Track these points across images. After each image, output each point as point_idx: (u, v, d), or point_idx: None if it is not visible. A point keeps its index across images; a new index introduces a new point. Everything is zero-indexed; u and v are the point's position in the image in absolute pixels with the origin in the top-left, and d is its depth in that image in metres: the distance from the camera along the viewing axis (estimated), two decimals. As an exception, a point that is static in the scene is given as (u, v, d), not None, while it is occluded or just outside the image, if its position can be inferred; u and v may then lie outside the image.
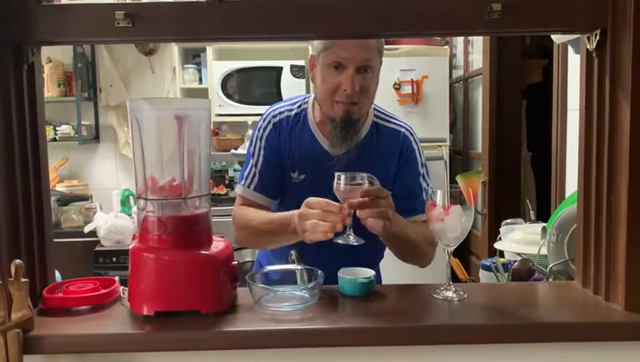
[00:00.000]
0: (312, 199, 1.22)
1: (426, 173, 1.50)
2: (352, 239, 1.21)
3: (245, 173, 1.50)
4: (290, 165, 1.45)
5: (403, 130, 1.49)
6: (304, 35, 1.09)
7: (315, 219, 1.19)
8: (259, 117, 1.54)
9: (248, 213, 1.45)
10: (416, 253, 1.41)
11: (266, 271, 1.18)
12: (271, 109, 1.51)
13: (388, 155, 1.46)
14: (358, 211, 1.20)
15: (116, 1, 1.16)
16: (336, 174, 1.21)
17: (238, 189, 1.51)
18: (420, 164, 1.49)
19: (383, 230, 1.21)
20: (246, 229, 1.45)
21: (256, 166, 1.47)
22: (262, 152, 1.47)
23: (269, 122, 1.48)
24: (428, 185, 1.48)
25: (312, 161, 1.44)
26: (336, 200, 1.22)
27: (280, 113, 1.49)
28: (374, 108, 1.51)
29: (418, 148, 1.49)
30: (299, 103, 1.51)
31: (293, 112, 1.49)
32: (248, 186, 1.48)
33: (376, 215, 1.19)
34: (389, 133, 1.48)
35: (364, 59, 1.33)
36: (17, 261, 0.93)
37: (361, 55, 1.33)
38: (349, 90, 1.34)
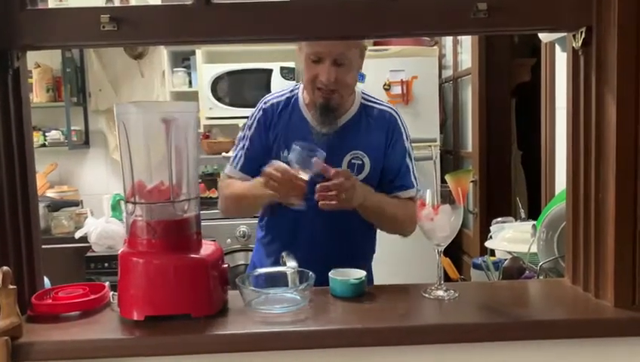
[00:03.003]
0: (275, 164, 1.38)
1: (411, 150, 1.60)
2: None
3: (233, 155, 1.63)
4: (281, 145, 1.54)
5: (389, 110, 1.59)
6: (291, 36, 1.09)
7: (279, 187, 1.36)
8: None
9: (231, 183, 1.61)
10: (393, 226, 1.56)
11: (256, 273, 1.18)
12: (264, 98, 1.63)
13: (375, 134, 1.55)
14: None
15: (103, 5, 1.16)
16: (293, 145, 1.36)
17: (226, 169, 1.65)
18: (406, 142, 1.58)
19: (338, 207, 1.38)
20: (229, 198, 1.62)
21: (243, 148, 1.60)
22: (249, 136, 1.59)
23: (260, 109, 1.60)
24: (412, 161, 1.59)
25: (302, 139, 1.49)
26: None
27: (270, 99, 1.60)
28: (362, 92, 1.60)
29: (404, 128, 1.59)
30: (291, 89, 1.62)
31: (285, 97, 1.59)
32: (235, 166, 1.61)
33: (327, 201, 1.38)
34: (375, 113, 1.58)
35: (339, 53, 1.43)
36: (5, 268, 0.92)
37: (337, 49, 1.43)
38: (325, 81, 1.45)
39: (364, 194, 1.43)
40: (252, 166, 1.57)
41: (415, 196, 1.51)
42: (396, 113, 1.58)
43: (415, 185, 1.57)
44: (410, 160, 1.59)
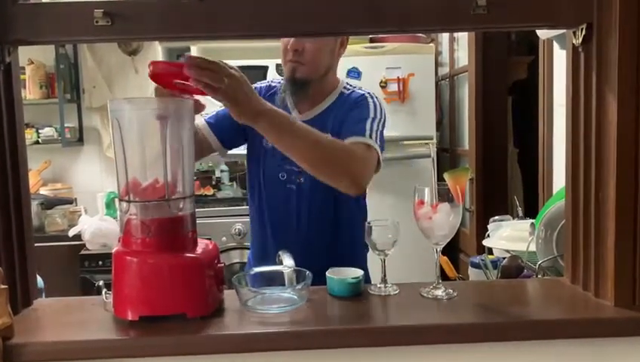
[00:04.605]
0: None
1: (377, 122, 1.44)
2: None
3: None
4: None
5: (364, 92, 1.54)
6: (288, 32, 1.08)
7: None
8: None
9: None
10: (318, 157, 1.27)
11: (253, 272, 1.17)
12: (262, 81, 1.66)
13: (349, 115, 1.47)
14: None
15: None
16: None
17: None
18: (370, 112, 1.45)
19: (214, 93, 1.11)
20: None
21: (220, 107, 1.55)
22: None
23: (254, 85, 1.57)
24: (374, 125, 1.43)
25: None
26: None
27: (266, 82, 1.64)
28: (345, 81, 1.59)
29: (375, 106, 1.48)
30: (276, 79, 1.64)
31: (271, 85, 1.61)
32: (204, 116, 1.57)
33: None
34: (351, 97, 1.54)
35: None
36: (-4, 267, 0.90)
37: None
38: (292, 46, 1.45)
39: (260, 104, 1.19)
40: (218, 122, 1.54)
41: (369, 146, 1.37)
42: (370, 95, 1.52)
43: (368, 135, 1.38)
44: (372, 123, 1.43)
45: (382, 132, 1.45)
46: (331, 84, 1.56)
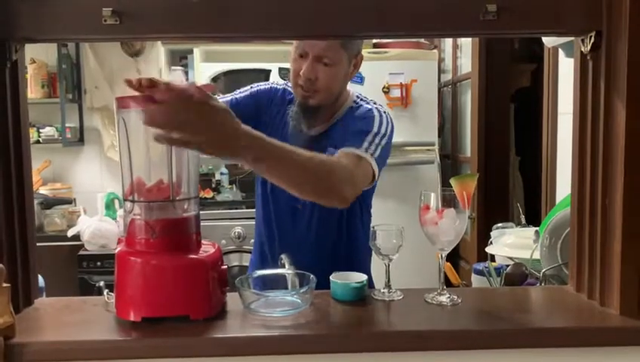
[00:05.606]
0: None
1: (380, 140, 1.38)
2: None
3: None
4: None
5: (373, 107, 1.49)
6: (296, 34, 1.07)
7: None
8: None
9: None
10: (304, 181, 1.14)
11: (256, 275, 1.16)
12: (273, 80, 1.63)
13: (352, 125, 1.44)
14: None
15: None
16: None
17: None
18: (375, 126, 1.40)
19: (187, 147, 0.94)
20: None
21: (234, 95, 1.57)
22: (245, 92, 1.57)
23: (271, 83, 1.60)
24: (374, 140, 1.37)
25: (291, 140, 1.40)
26: None
27: (282, 85, 1.60)
28: (356, 95, 1.55)
29: (381, 119, 1.43)
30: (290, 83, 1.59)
31: (286, 89, 1.57)
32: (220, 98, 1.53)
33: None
34: (359, 110, 1.49)
35: (322, 49, 1.39)
36: (-2, 265, 0.89)
37: (321, 45, 1.39)
38: (305, 75, 1.41)
39: (249, 144, 1.00)
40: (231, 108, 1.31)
41: (360, 157, 1.31)
42: (379, 110, 1.47)
43: (364, 148, 1.33)
44: (373, 137, 1.37)
45: (385, 147, 1.39)
46: (341, 101, 1.52)
